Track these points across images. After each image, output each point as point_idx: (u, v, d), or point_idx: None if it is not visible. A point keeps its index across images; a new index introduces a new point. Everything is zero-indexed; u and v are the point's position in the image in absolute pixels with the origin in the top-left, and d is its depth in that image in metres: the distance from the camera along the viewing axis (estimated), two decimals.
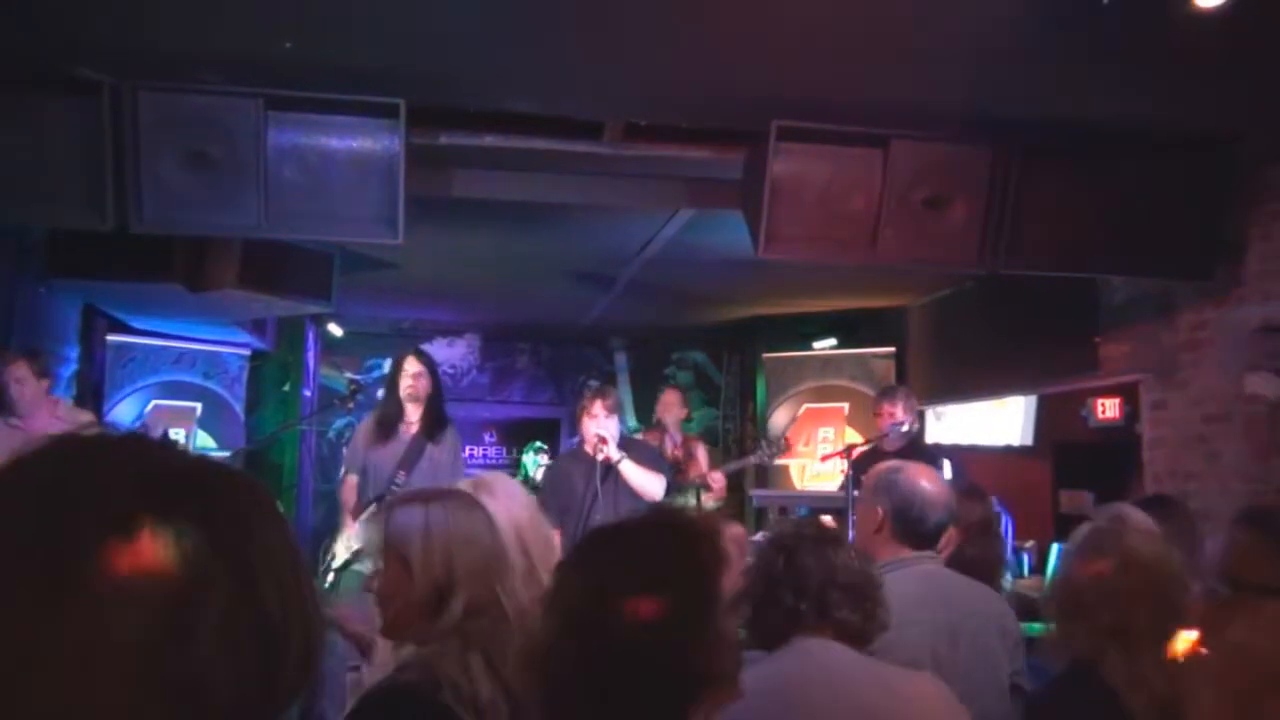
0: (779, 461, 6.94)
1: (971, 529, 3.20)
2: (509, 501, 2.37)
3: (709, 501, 6.31)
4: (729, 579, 1.44)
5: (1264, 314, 4.28)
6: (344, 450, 6.57)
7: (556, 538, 2.78)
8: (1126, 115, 3.99)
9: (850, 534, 4.31)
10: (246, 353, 7.64)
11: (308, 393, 8.62)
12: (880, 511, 2.74)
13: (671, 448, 6.55)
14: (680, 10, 3.21)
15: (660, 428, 6.78)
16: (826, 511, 5.90)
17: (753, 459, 6.81)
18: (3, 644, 0.65)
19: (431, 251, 5.91)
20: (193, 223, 3.86)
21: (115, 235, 3.75)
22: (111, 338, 6.77)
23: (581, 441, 5.07)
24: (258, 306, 6.18)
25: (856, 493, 4.36)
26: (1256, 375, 4.32)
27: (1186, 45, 3.28)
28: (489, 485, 2.39)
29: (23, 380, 4.78)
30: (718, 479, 6.40)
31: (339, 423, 8.99)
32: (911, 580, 2.58)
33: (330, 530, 5.60)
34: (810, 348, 8.51)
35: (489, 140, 4.10)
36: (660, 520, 1.63)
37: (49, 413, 4.84)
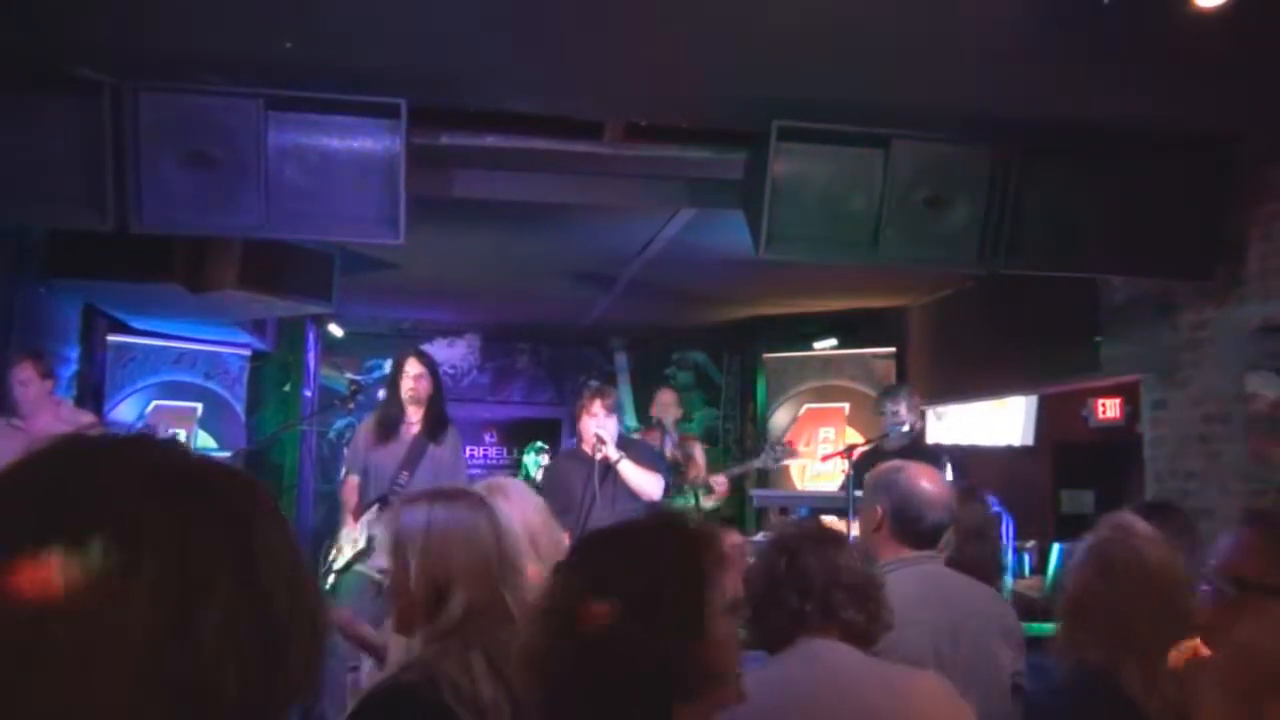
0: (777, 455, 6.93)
1: (966, 532, 3.19)
2: (523, 504, 2.38)
3: (708, 502, 6.31)
4: (729, 584, 1.44)
5: (1264, 314, 4.28)
6: (344, 451, 6.57)
7: (567, 540, 2.79)
8: (1126, 115, 3.99)
9: (851, 534, 4.31)
10: (247, 353, 7.64)
11: (308, 393, 8.62)
12: (879, 511, 2.74)
13: (671, 448, 6.55)
14: (681, 10, 3.21)
15: (661, 428, 6.79)
16: (827, 512, 5.90)
17: (756, 463, 6.81)
18: (3, 644, 0.65)
19: (432, 252, 5.91)
20: (193, 223, 3.86)
21: (115, 235, 3.75)
22: (112, 338, 6.77)
23: (580, 441, 5.06)
24: (258, 307, 6.18)
25: (858, 493, 4.37)
26: (1256, 375, 4.31)
27: (1186, 45, 3.28)
28: (503, 488, 2.40)
29: (27, 382, 4.78)
30: (721, 482, 6.40)
31: (339, 423, 8.99)
32: (913, 580, 2.58)
33: (331, 531, 5.60)
34: (811, 348, 8.51)
35: (490, 140, 4.10)
36: (657, 523, 1.64)
37: (51, 414, 4.83)
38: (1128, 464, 5.75)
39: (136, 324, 6.86)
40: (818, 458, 7.75)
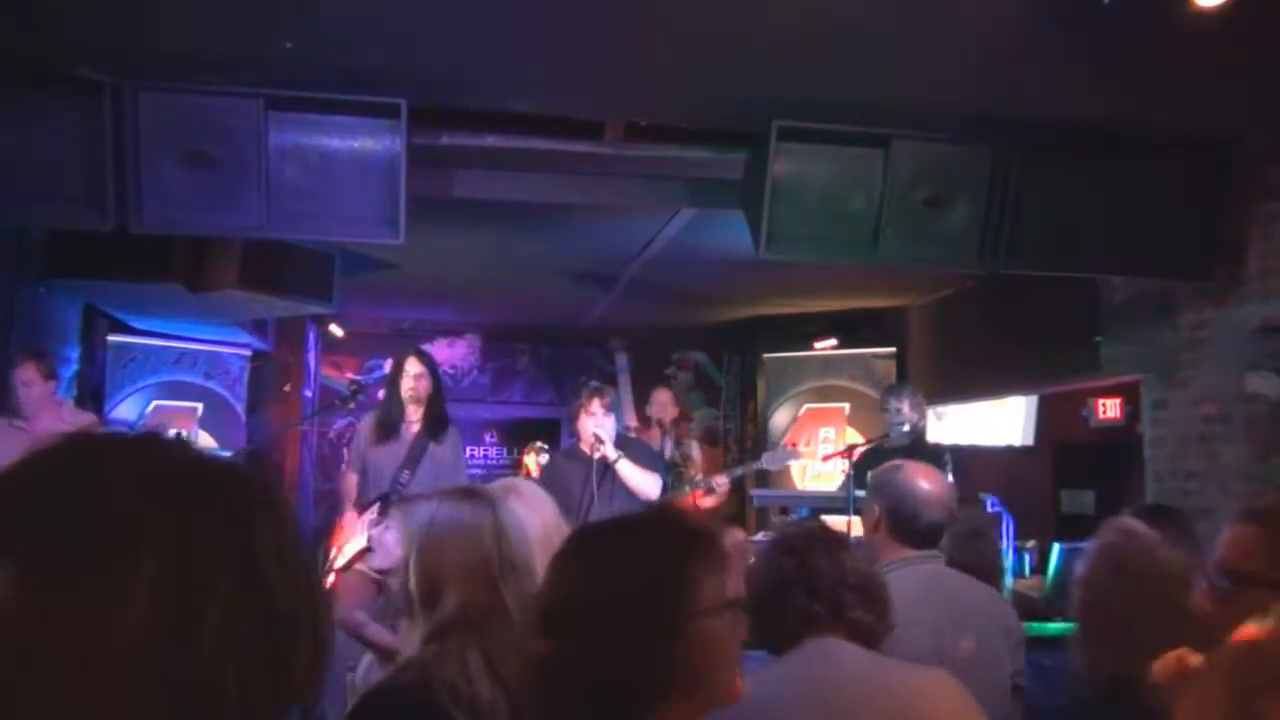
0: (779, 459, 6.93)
1: (961, 535, 3.19)
2: (539, 506, 2.37)
3: (707, 501, 6.31)
4: (729, 581, 1.43)
5: (1264, 314, 4.28)
6: (345, 450, 6.57)
7: None
8: (1126, 115, 3.99)
9: (851, 534, 4.32)
10: (247, 353, 7.65)
11: (308, 393, 8.62)
12: (876, 510, 2.75)
13: (669, 448, 6.56)
14: (681, 10, 3.21)
15: (661, 427, 6.79)
16: (827, 512, 5.90)
17: (757, 464, 6.81)
18: (3, 644, 0.65)
19: (432, 252, 5.91)
20: (193, 223, 3.86)
21: (115, 235, 3.75)
22: (112, 338, 6.78)
23: (578, 440, 5.06)
24: (258, 307, 6.18)
25: (859, 492, 4.37)
26: (1256, 375, 4.32)
27: (1186, 45, 3.28)
28: (519, 489, 2.39)
29: (30, 382, 4.78)
30: (722, 482, 6.40)
31: (340, 422, 8.99)
32: (914, 579, 2.58)
33: (330, 528, 5.61)
34: (811, 348, 8.51)
35: (490, 140, 4.10)
36: (643, 521, 1.63)
37: (53, 415, 4.83)
38: (1128, 464, 5.75)
39: (137, 324, 6.86)
40: (818, 458, 7.75)
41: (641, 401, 7.62)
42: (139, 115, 3.56)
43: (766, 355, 8.77)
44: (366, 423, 5.45)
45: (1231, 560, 1.73)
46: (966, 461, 5.67)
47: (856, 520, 4.25)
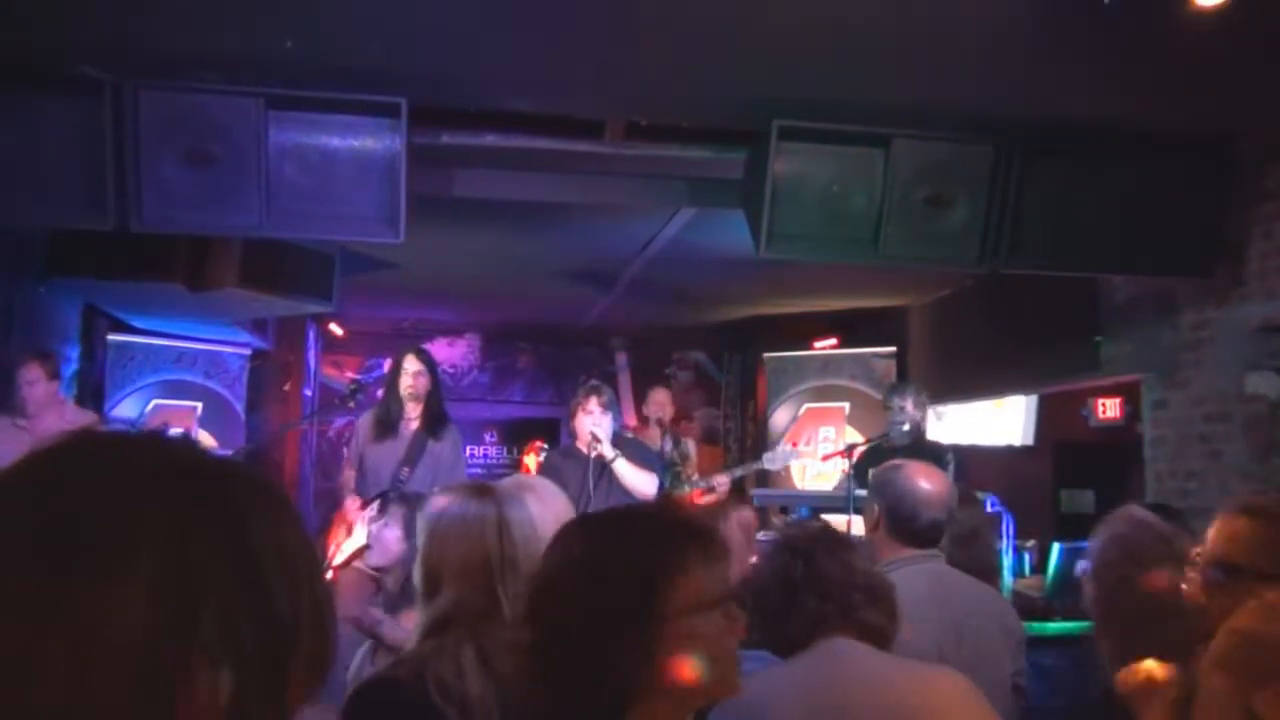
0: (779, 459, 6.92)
1: (961, 535, 3.19)
2: (554, 504, 2.36)
3: (704, 500, 6.31)
4: (734, 566, 1.43)
5: (1265, 314, 4.28)
6: (344, 449, 6.57)
7: None
8: (1126, 115, 3.99)
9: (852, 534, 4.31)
10: (247, 352, 7.65)
11: (308, 392, 8.62)
12: (877, 510, 2.74)
13: (668, 448, 6.56)
14: (681, 10, 3.21)
15: (660, 426, 6.79)
16: (827, 511, 5.89)
17: (758, 464, 6.81)
18: (4, 642, 0.65)
19: (432, 251, 5.91)
20: (193, 222, 3.86)
21: (115, 235, 3.75)
22: (112, 337, 6.78)
23: (575, 439, 5.06)
24: (258, 306, 6.18)
25: (860, 492, 4.37)
26: (1257, 375, 4.31)
27: (1186, 45, 3.28)
28: (533, 487, 2.38)
29: (34, 382, 4.79)
30: (722, 482, 6.39)
31: (339, 421, 8.99)
32: (915, 579, 2.58)
33: (327, 525, 5.61)
34: (811, 347, 8.51)
35: (490, 140, 4.10)
36: (631, 514, 1.62)
37: (56, 414, 4.84)
38: (1128, 464, 5.75)
39: (137, 323, 6.87)
40: (818, 457, 7.75)
41: (641, 401, 7.62)
42: (139, 114, 3.57)
43: (766, 355, 8.76)
44: (365, 420, 5.45)
45: (1223, 553, 1.74)
46: (966, 461, 5.68)
47: (857, 519, 4.25)
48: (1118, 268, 4.58)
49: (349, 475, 5.35)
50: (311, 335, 8.73)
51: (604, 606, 1.36)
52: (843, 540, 2.22)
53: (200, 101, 3.64)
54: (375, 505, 5.00)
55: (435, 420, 5.27)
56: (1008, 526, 4.84)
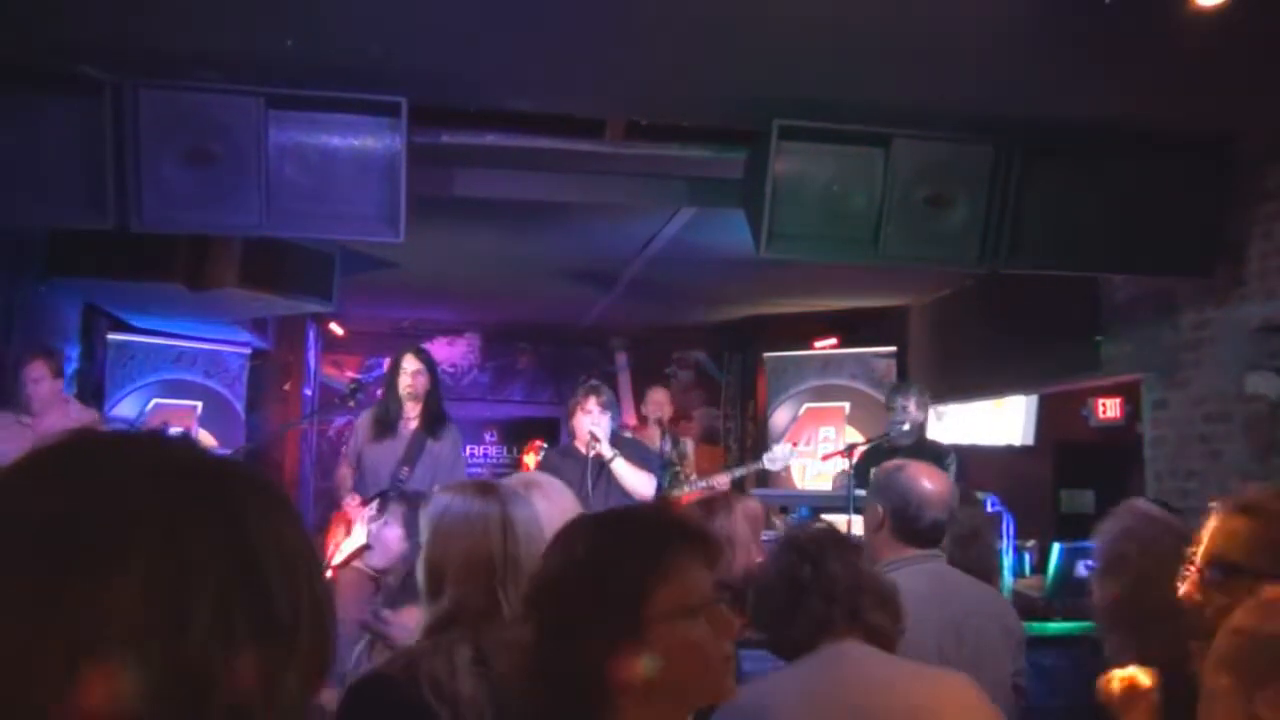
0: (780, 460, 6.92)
1: (961, 535, 3.19)
2: (562, 500, 2.36)
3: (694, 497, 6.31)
4: (739, 557, 1.44)
5: (1265, 314, 4.28)
6: (343, 448, 6.57)
7: None
8: (1127, 115, 3.99)
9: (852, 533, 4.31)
10: (247, 351, 7.65)
11: (308, 391, 8.62)
12: (880, 510, 2.74)
13: (667, 448, 6.56)
14: (681, 9, 3.21)
15: (660, 426, 6.79)
16: (827, 511, 5.89)
17: (758, 464, 6.80)
18: (3, 641, 0.65)
19: (433, 250, 5.91)
20: (193, 221, 3.86)
21: (115, 234, 3.75)
22: (112, 336, 6.78)
23: (574, 439, 5.06)
24: (258, 305, 6.18)
25: (860, 491, 4.37)
26: (1257, 375, 4.31)
27: (1186, 45, 3.28)
28: (540, 485, 2.38)
29: (40, 379, 4.81)
30: (722, 482, 6.40)
31: (339, 421, 8.99)
32: (916, 579, 2.57)
33: (325, 525, 5.61)
34: (811, 347, 8.51)
35: (490, 139, 4.10)
36: (622, 516, 1.62)
37: (60, 412, 4.85)
38: (1128, 464, 5.75)
39: (137, 322, 6.87)
40: (818, 457, 7.75)
41: (640, 401, 7.62)
42: (139, 113, 3.56)
43: (767, 354, 8.76)
44: (364, 419, 5.45)
45: (1221, 551, 1.74)
46: (966, 461, 5.67)
47: (857, 519, 4.25)
48: (1118, 268, 4.58)
49: (345, 473, 5.35)
50: (311, 335, 8.73)
51: (592, 607, 1.36)
52: (849, 543, 2.22)
53: (200, 101, 3.64)
54: (374, 504, 5.00)
55: (434, 420, 5.27)
56: (1008, 526, 4.84)
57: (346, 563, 5.06)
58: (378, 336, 9.12)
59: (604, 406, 4.95)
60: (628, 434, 5.65)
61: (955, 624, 2.59)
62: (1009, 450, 7.33)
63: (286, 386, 8.32)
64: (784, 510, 6.84)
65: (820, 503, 6.33)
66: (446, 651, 1.84)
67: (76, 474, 0.71)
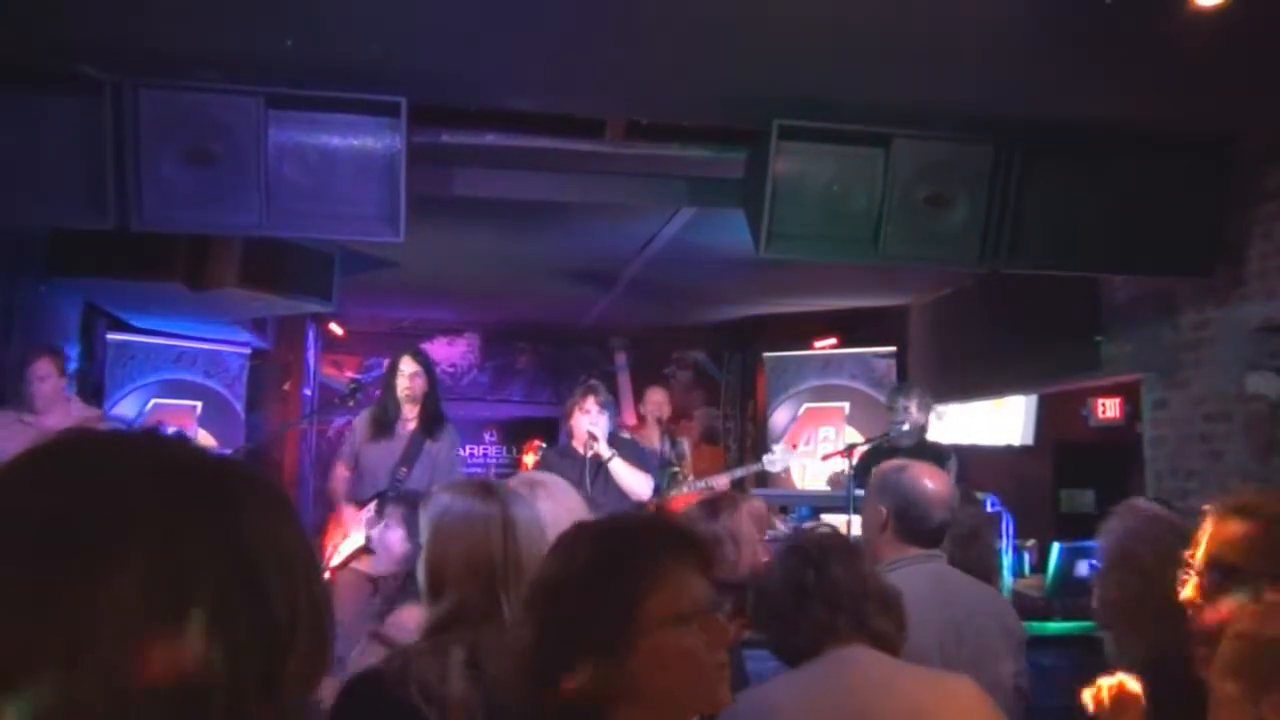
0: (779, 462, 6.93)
1: (961, 535, 3.19)
2: (568, 500, 2.35)
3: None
4: (744, 556, 1.44)
5: (1265, 314, 4.28)
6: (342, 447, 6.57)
7: None
8: (1127, 115, 3.99)
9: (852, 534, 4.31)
10: (247, 351, 7.65)
11: (308, 391, 8.62)
12: (884, 511, 2.73)
13: (666, 448, 6.57)
14: (682, 9, 3.21)
15: (660, 425, 6.80)
16: (827, 511, 5.89)
17: (758, 466, 6.80)
18: (2, 639, 0.65)
19: (433, 250, 5.91)
20: (193, 221, 3.86)
21: (115, 234, 3.75)
22: (112, 336, 6.78)
23: (571, 438, 5.06)
24: (258, 305, 6.18)
25: (859, 492, 4.37)
26: (1257, 375, 4.31)
27: (1186, 45, 3.28)
28: (546, 485, 2.37)
29: (46, 377, 4.81)
30: (722, 484, 6.40)
31: (339, 421, 8.99)
32: (918, 579, 2.58)
33: (323, 525, 5.60)
34: (811, 347, 8.51)
35: (490, 139, 4.10)
36: (617, 524, 1.62)
37: (63, 411, 4.86)
38: (1128, 464, 5.75)
39: (136, 322, 6.87)
40: (818, 457, 7.75)
41: (639, 401, 7.62)
42: (139, 113, 3.56)
43: (766, 354, 8.77)
44: (361, 419, 5.45)
45: (1219, 554, 1.74)
46: (966, 461, 5.67)
47: (857, 519, 4.25)
48: (1118, 268, 4.58)
49: (342, 474, 5.34)
50: (311, 334, 8.73)
51: (586, 613, 1.36)
52: (854, 548, 2.22)
53: (200, 101, 3.64)
54: (372, 506, 5.00)
55: (433, 421, 5.28)
56: (1008, 526, 4.84)
57: (345, 564, 5.06)
58: (377, 336, 9.11)
59: (602, 406, 4.95)
60: (625, 434, 5.65)
61: (956, 624, 2.59)
62: (1009, 450, 7.33)
63: (286, 386, 8.32)
64: (784, 510, 6.85)
65: (820, 503, 6.34)
66: (441, 653, 1.83)
67: (76, 473, 0.71)
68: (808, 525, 5.62)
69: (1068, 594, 4.36)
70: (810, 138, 3.95)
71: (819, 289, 7.35)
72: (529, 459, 9.06)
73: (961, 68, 3.59)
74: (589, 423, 4.91)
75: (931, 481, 2.74)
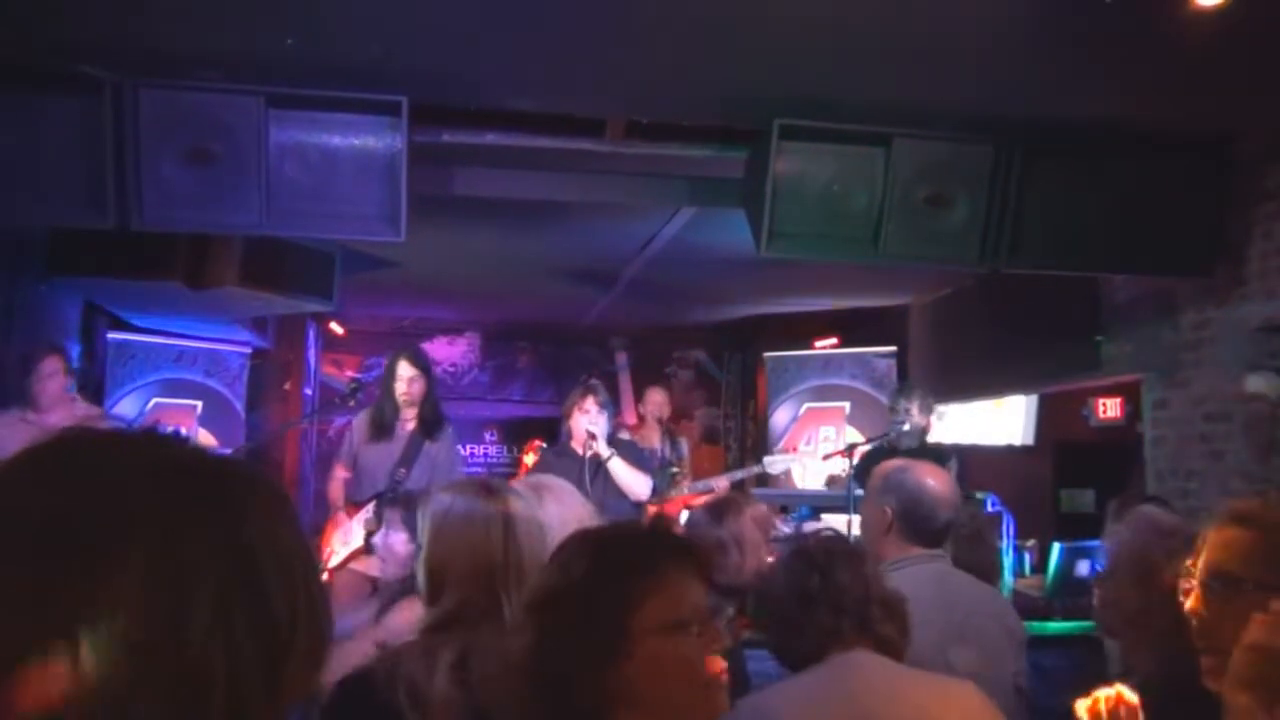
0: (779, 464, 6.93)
1: (962, 535, 3.19)
2: (574, 503, 2.34)
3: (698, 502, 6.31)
4: (748, 560, 1.44)
5: (1265, 313, 4.28)
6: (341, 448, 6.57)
7: None
8: (1127, 115, 3.99)
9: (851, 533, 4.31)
10: (247, 351, 7.65)
11: (308, 391, 8.62)
12: (888, 511, 2.73)
13: (666, 449, 6.57)
14: (682, 8, 3.21)
15: (661, 425, 6.81)
16: (827, 511, 5.90)
17: (757, 469, 6.81)
18: (2, 639, 0.65)
19: (433, 250, 5.91)
20: (194, 220, 3.86)
21: (116, 233, 3.75)
22: (112, 335, 6.78)
23: (570, 438, 5.06)
24: (259, 305, 6.18)
25: (859, 492, 4.37)
26: (1257, 375, 4.31)
27: (1186, 45, 3.28)
28: (551, 488, 2.36)
29: (53, 375, 4.81)
30: (722, 485, 6.41)
31: (339, 420, 8.99)
32: (919, 579, 2.58)
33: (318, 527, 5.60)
34: (811, 346, 8.51)
35: (491, 138, 4.10)
36: (617, 531, 1.62)
37: (66, 410, 4.85)
38: (1128, 464, 5.75)
39: (137, 321, 6.87)
40: (818, 457, 7.75)
41: (640, 400, 7.63)
42: (139, 112, 3.56)
43: (767, 354, 8.77)
44: (360, 420, 5.45)
45: (1219, 563, 1.72)
46: (966, 461, 5.68)
47: (857, 520, 4.25)
48: (1118, 268, 4.58)
49: (340, 475, 5.34)
50: (312, 334, 8.73)
51: (583, 618, 1.36)
52: (858, 553, 2.21)
53: (200, 100, 3.63)
54: (370, 508, 4.99)
55: (432, 422, 5.28)
56: (1008, 526, 4.84)
57: (343, 565, 5.07)
58: (378, 336, 9.11)
59: (601, 406, 4.96)
60: (625, 435, 5.66)
61: (958, 624, 2.59)
62: (1009, 450, 7.33)
63: (286, 386, 8.32)
64: (784, 510, 6.85)
65: (820, 502, 6.34)
66: (431, 654, 1.83)
67: (76, 473, 0.71)
68: (808, 525, 5.63)
69: (1068, 594, 4.36)
70: (811, 137, 3.95)
71: (819, 289, 7.35)
72: (529, 459, 9.06)
73: (961, 68, 3.59)
74: (588, 422, 4.91)
75: (936, 481, 2.74)
